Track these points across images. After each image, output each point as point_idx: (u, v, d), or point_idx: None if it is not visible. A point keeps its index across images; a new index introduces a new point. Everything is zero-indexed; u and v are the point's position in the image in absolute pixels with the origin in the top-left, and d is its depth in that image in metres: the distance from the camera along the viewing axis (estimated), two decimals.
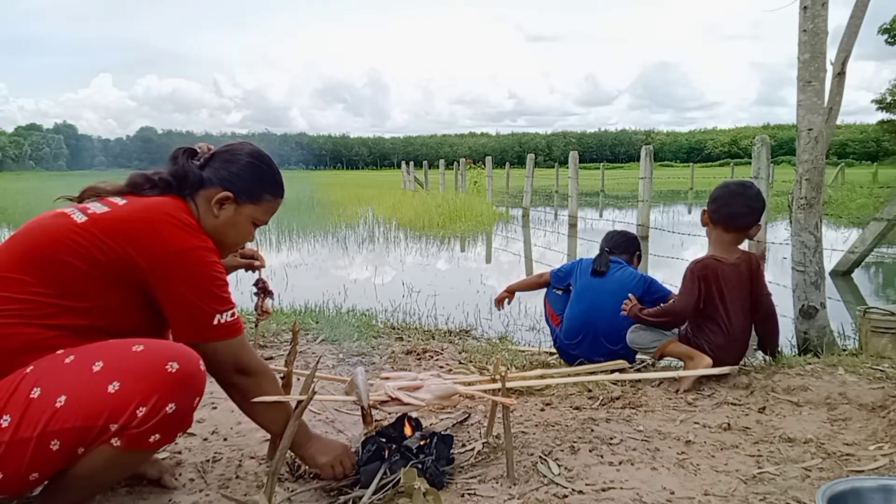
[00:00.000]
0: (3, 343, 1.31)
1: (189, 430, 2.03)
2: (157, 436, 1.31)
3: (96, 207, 1.44)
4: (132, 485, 1.65)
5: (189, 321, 1.43)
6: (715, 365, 2.54)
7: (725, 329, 2.57)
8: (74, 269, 1.36)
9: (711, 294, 2.57)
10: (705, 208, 2.63)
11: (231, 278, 1.66)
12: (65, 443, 1.25)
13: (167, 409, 1.29)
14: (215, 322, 1.43)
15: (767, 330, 2.70)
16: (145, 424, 1.27)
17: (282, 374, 1.79)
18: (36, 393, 1.26)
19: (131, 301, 1.43)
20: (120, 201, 1.47)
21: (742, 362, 2.89)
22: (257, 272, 1.93)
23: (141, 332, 1.42)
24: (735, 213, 2.55)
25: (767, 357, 2.93)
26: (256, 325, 2.03)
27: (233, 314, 1.47)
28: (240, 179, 1.57)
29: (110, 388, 1.26)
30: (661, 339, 2.66)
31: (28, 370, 1.30)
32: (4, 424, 1.24)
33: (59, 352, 1.33)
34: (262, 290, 1.91)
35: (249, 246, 1.90)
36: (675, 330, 2.70)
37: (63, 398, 1.25)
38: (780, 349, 2.86)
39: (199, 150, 1.62)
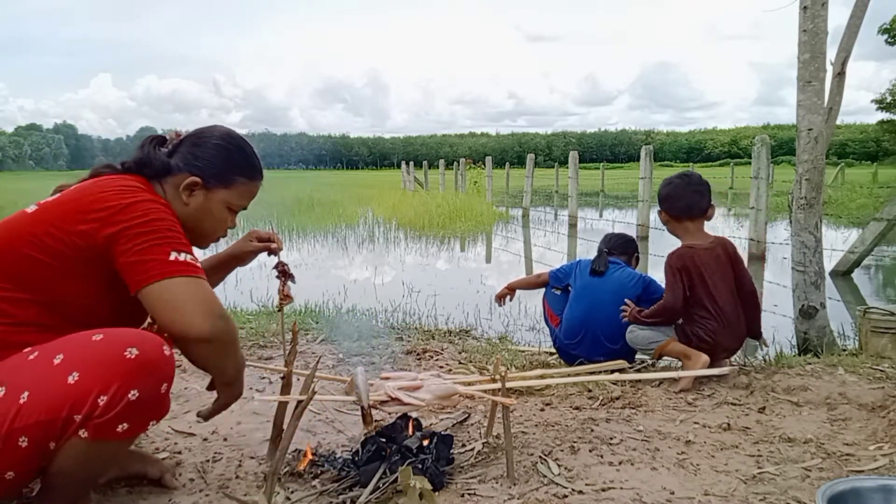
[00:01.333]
0: None
1: (189, 430, 2.04)
2: (125, 425, 1.26)
3: (49, 198, 1.43)
4: (132, 485, 1.65)
5: (144, 265, 1.30)
6: (714, 350, 2.58)
7: (716, 313, 2.59)
8: (33, 260, 1.32)
9: (694, 282, 2.61)
10: (660, 209, 2.76)
11: (246, 271, 1.65)
12: (32, 438, 1.22)
13: (129, 395, 1.24)
14: (171, 258, 1.32)
15: (751, 310, 2.71)
16: (108, 413, 1.22)
17: (282, 375, 1.79)
18: (0, 392, 1.24)
19: (95, 290, 1.38)
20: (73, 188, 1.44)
21: (742, 362, 2.89)
22: (276, 255, 1.84)
23: (110, 325, 1.36)
24: (690, 203, 2.68)
25: (767, 357, 2.93)
26: (280, 310, 1.92)
27: (193, 258, 1.36)
28: (208, 163, 1.51)
29: (70, 380, 1.23)
30: (661, 339, 2.67)
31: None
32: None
33: (26, 349, 1.30)
34: (283, 272, 1.84)
35: (265, 231, 1.86)
36: (674, 328, 2.70)
37: (26, 394, 1.23)
38: (780, 349, 2.86)
39: (168, 138, 1.57)
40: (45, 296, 1.35)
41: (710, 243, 2.68)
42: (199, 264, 1.37)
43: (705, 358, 2.52)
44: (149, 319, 1.54)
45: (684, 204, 2.68)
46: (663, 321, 2.68)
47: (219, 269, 1.85)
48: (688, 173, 2.79)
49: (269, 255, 1.86)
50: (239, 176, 1.56)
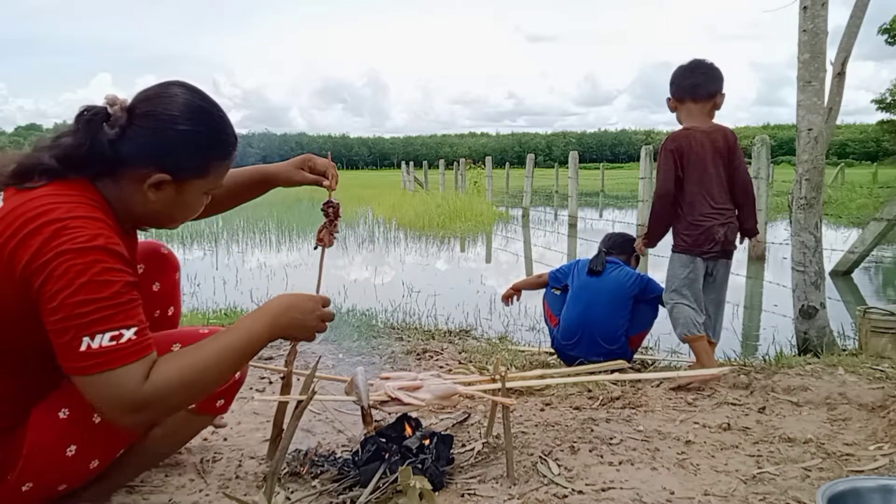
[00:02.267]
0: None
1: None
2: (222, 400, 1.52)
3: None
4: (132, 485, 1.65)
5: (60, 350, 1.09)
6: (705, 236, 2.59)
7: (709, 196, 2.60)
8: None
9: (685, 164, 2.62)
10: (668, 97, 2.73)
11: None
12: None
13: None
14: (83, 349, 1.06)
15: (744, 204, 2.67)
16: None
17: (282, 374, 1.79)
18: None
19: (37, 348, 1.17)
20: None
21: (742, 362, 2.89)
22: (329, 192, 1.66)
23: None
24: (695, 83, 2.65)
25: (767, 357, 2.93)
26: (316, 247, 1.69)
27: (114, 336, 1.08)
28: (176, 155, 1.23)
29: None
30: (697, 324, 2.63)
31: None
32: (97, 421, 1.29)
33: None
34: (330, 213, 1.67)
35: (322, 160, 1.69)
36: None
37: None
38: (780, 349, 2.86)
39: (110, 112, 1.22)
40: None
41: (709, 127, 2.64)
42: (119, 335, 1.08)
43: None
44: None
45: (689, 83, 2.65)
46: (659, 212, 2.71)
47: (256, 186, 1.67)
48: (700, 59, 2.71)
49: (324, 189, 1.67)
50: (214, 161, 1.30)
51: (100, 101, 1.25)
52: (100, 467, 1.37)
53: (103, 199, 1.22)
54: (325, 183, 1.68)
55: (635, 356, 3.06)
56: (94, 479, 1.41)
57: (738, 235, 2.71)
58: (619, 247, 3.13)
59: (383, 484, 1.57)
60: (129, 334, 1.10)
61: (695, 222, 2.63)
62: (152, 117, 1.23)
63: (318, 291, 1.58)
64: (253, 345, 1.24)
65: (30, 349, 1.20)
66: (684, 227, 2.66)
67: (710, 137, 2.61)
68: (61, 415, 1.26)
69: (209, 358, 1.18)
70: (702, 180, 2.60)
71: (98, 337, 1.07)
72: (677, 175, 2.63)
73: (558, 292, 3.13)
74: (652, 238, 2.80)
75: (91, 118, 1.21)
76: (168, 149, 1.23)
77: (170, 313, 1.74)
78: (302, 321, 1.30)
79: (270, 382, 2.59)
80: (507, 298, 3.32)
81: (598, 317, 2.86)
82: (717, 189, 2.60)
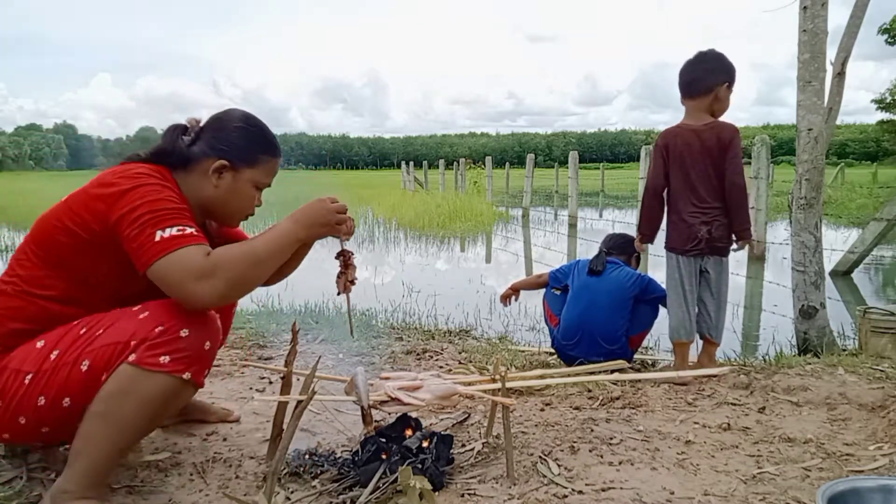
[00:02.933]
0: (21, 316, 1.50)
1: (188, 431, 2.04)
2: (167, 357, 1.39)
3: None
4: (132, 485, 1.65)
5: (137, 253, 1.40)
6: (687, 234, 2.59)
7: (693, 195, 2.59)
8: (62, 244, 1.48)
9: (671, 162, 2.62)
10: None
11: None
12: (94, 362, 1.40)
13: (181, 332, 1.41)
14: (157, 239, 1.39)
15: (734, 205, 2.57)
16: (159, 339, 1.39)
17: (282, 374, 1.79)
18: (83, 331, 1.45)
19: (119, 269, 1.50)
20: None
21: (742, 362, 2.89)
22: (342, 242, 1.73)
23: (144, 300, 1.49)
24: (691, 79, 2.61)
25: (767, 357, 2.93)
26: (339, 294, 1.79)
27: (178, 228, 1.41)
28: (233, 146, 1.60)
29: (141, 316, 1.43)
30: (685, 329, 2.64)
31: (76, 322, 1.48)
32: (52, 357, 1.43)
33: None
34: (345, 262, 1.76)
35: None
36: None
37: (102, 330, 1.44)
38: (780, 349, 2.86)
39: (189, 126, 1.63)
40: (76, 273, 1.50)
41: (702, 125, 2.59)
42: (184, 230, 1.41)
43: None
44: None
45: (685, 80, 2.62)
46: (647, 207, 2.72)
47: (293, 259, 1.80)
48: (706, 51, 2.65)
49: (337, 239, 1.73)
50: (262, 154, 1.64)
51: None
52: (73, 408, 1.42)
53: (177, 186, 1.55)
54: (343, 229, 1.69)
55: (635, 356, 3.06)
56: (66, 460, 1.45)
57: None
58: (620, 247, 3.13)
59: (383, 484, 1.57)
60: (190, 230, 1.42)
61: (678, 220, 2.64)
62: (216, 121, 1.64)
63: (350, 329, 1.85)
64: (288, 235, 1.54)
65: (96, 278, 1.51)
66: (669, 225, 2.69)
67: (700, 136, 2.58)
68: (38, 344, 1.46)
69: (256, 244, 1.50)
70: (686, 178, 2.60)
71: (168, 229, 1.40)
72: (665, 172, 2.65)
73: (558, 292, 3.13)
74: (643, 234, 2.81)
75: (173, 129, 1.62)
76: (227, 142, 1.60)
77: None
78: (319, 210, 1.58)
79: (270, 382, 2.59)
80: (505, 299, 3.32)
81: (598, 317, 2.86)
82: (703, 187, 2.58)
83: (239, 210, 1.67)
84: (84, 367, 1.40)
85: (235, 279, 1.44)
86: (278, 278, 1.82)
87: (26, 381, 1.42)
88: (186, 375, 1.42)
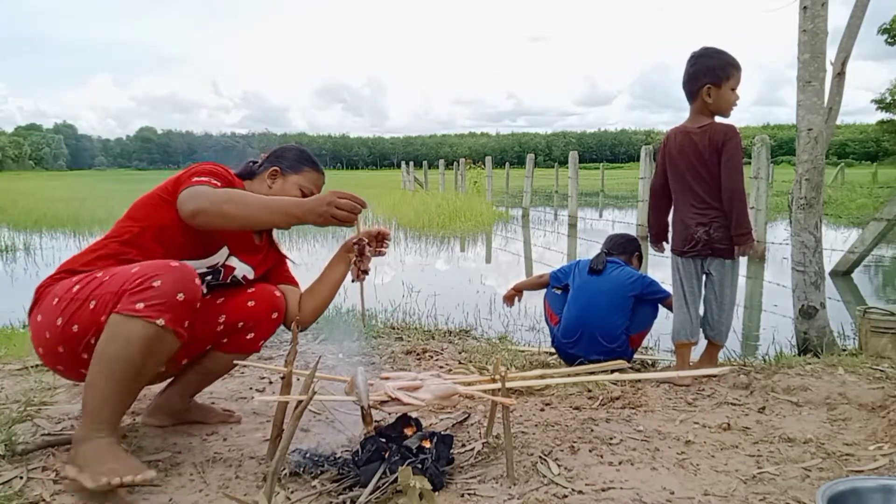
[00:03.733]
0: (97, 251, 1.84)
1: (188, 431, 2.04)
2: (142, 304, 1.58)
3: None
4: (132, 485, 1.65)
5: (181, 185, 1.80)
6: (684, 236, 2.61)
7: (690, 196, 2.60)
8: (153, 205, 1.86)
9: (666, 165, 2.68)
10: None
11: None
12: (99, 302, 1.63)
13: (153, 282, 1.60)
14: (194, 181, 1.79)
15: (729, 209, 2.53)
16: (136, 288, 1.59)
17: (282, 375, 1.79)
18: (100, 274, 1.72)
19: (183, 235, 1.86)
20: None
21: (742, 362, 2.89)
22: (357, 230, 1.92)
23: (186, 251, 1.86)
24: (685, 80, 2.63)
25: (767, 357, 2.93)
26: (353, 280, 2.04)
27: (209, 179, 1.80)
28: (283, 158, 2.07)
29: (132, 269, 1.65)
30: (686, 331, 2.65)
31: (99, 273, 1.74)
32: (74, 290, 1.70)
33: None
34: (359, 251, 1.99)
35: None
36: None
37: (108, 277, 1.68)
38: (780, 349, 2.86)
39: (259, 158, 2.13)
40: (150, 223, 1.85)
41: (697, 127, 2.58)
42: (212, 181, 1.80)
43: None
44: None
45: (682, 81, 2.65)
46: (651, 207, 2.80)
47: (327, 289, 2.15)
48: (695, 51, 2.64)
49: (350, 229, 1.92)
50: (305, 165, 2.07)
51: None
52: (80, 334, 1.66)
53: (240, 183, 1.99)
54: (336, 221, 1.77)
55: (636, 356, 3.06)
56: (66, 460, 1.66)
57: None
58: (620, 247, 3.13)
59: (383, 484, 1.57)
60: (215, 181, 1.82)
61: (677, 222, 2.67)
62: (276, 149, 2.13)
63: (363, 316, 2.09)
64: (283, 206, 1.72)
65: (159, 230, 1.84)
66: (672, 227, 2.73)
67: (693, 138, 2.57)
68: (74, 278, 1.74)
69: (252, 196, 1.78)
70: (683, 180, 2.62)
71: (203, 177, 1.82)
72: (664, 173, 2.70)
73: (559, 292, 3.13)
74: (651, 235, 2.85)
75: (251, 162, 2.11)
76: (279, 156, 2.08)
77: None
78: (318, 198, 1.72)
79: (270, 382, 2.60)
80: (508, 299, 3.32)
81: (597, 315, 2.86)
82: (700, 189, 2.57)
83: None
84: (91, 306, 1.64)
85: (224, 209, 1.72)
86: (314, 310, 2.13)
87: (53, 303, 1.70)
88: (160, 321, 1.58)
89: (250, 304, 1.98)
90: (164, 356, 1.69)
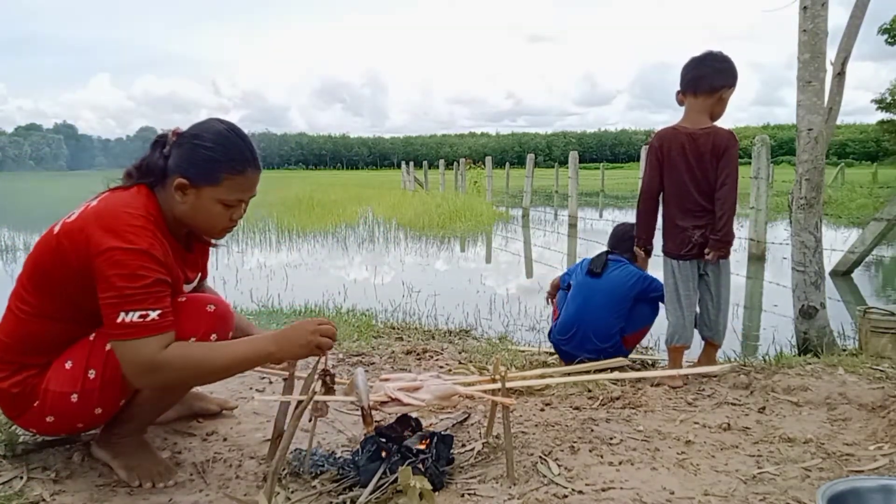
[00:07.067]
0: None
1: (188, 430, 2.04)
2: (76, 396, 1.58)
3: (74, 212, 1.58)
4: (132, 485, 1.65)
5: (104, 320, 1.49)
6: (680, 239, 2.57)
7: (687, 199, 2.56)
8: (51, 276, 1.56)
9: (663, 164, 2.59)
10: (678, 90, 2.62)
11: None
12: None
13: (211, 338, 1.61)
14: (118, 320, 1.45)
15: (719, 214, 2.51)
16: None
17: (283, 377, 1.79)
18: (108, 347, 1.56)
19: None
20: (94, 202, 1.59)
21: (742, 362, 2.89)
22: (325, 361, 1.63)
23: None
24: (698, 75, 2.54)
25: (767, 357, 2.93)
26: (310, 419, 1.70)
27: (140, 315, 1.44)
28: (192, 164, 1.57)
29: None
30: (679, 335, 2.65)
31: (91, 337, 1.59)
32: (92, 376, 1.58)
33: None
34: (325, 386, 1.64)
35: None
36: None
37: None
38: (780, 349, 2.85)
39: (168, 138, 1.62)
40: (63, 298, 1.57)
41: (700, 129, 2.53)
42: (146, 315, 1.46)
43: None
44: None
45: (692, 75, 2.55)
46: (642, 211, 2.69)
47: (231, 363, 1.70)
48: (714, 51, 2.59)
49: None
50: (224, 173, 1.58)
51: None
52: (104, 415, 1.64)
53: (158, 208, 1.59)
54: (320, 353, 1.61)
55: (636, 356, 3.06)
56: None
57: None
58: (624, 244, 3.12)
59: (383, 484, 1.58)
60: (153, 315, 1.46)
61: (672, 225, 2.62)
62: (186, 137, 1.60)
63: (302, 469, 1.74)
64: (259, 355, 1.55)
65: (82, 303, 1.54)
66: (664, 230, 2.67)
67: (696, 140, 2.52)
68: (67, 365, 1.59)
69: (221, 355, 1.54)
70: (680, 182, 2.57)
71: (131, 313, 1.44)
72: (660, 174, 2.61)
73: (567, 291, 3.16)
74: (640, 239, 2.78)
75: (154, 143, 1.64)
76: (190, 160, 1.57)
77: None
78: (300, 332, 1.56)
79: (270, 382, 2.59)
80: (551, 297, 3.31)
81: (593, 314, 2.86)
82: (697, 192, 2.55)
83: (209, 226, 1.66)
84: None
85: (179, 380, 1.59)
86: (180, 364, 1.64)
87: (73, 400, 1.57)
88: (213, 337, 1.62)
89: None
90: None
